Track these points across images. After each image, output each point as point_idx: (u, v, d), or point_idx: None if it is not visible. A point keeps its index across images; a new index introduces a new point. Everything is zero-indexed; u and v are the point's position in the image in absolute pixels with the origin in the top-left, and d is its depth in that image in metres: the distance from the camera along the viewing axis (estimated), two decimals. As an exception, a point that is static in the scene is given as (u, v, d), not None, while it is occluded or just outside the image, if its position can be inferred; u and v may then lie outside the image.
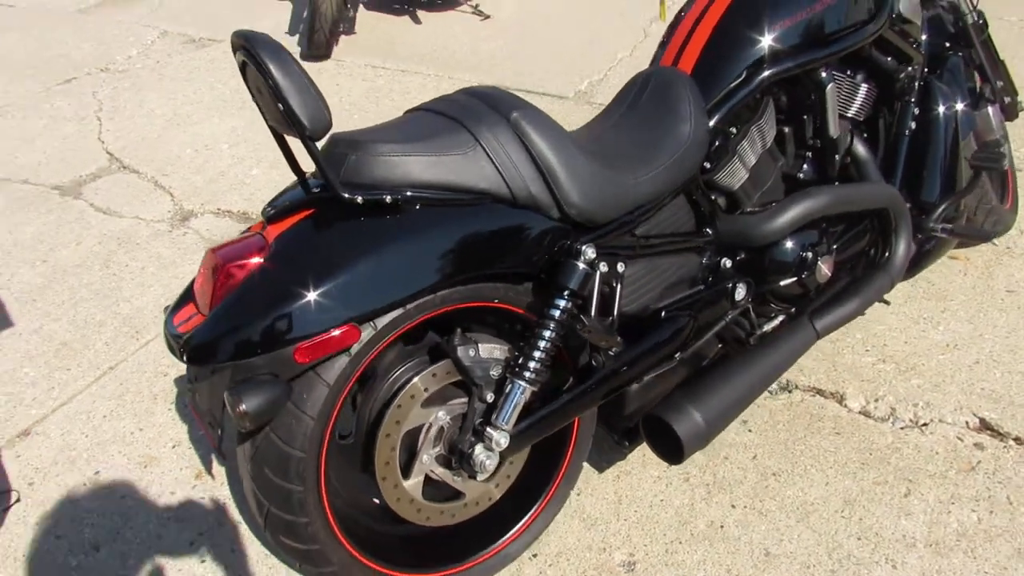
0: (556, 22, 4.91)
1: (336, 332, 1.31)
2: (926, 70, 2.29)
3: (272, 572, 1.79)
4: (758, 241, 1.87)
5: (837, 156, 2.04)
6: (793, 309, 2.05)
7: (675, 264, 1.82)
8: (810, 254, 1.93)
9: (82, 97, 4.10)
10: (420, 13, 5.05)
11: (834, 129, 1.98)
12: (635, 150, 1.67)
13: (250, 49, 1.26)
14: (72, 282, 2.75)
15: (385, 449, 1.52)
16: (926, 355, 2.30)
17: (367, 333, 1.38)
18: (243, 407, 1.26)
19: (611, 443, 1.98)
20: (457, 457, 1.55)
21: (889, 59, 2.13)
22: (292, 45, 4.58)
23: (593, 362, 1.65)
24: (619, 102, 1.84)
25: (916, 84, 2.19)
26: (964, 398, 2.15)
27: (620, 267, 1.63)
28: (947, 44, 2.36)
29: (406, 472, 1.57)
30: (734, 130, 1.85)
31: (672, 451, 1.69)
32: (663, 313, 1.75)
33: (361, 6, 5.00)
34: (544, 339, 1.51)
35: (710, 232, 1.87)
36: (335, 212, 1.39)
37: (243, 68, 1.34)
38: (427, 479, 1.61)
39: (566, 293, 1.51)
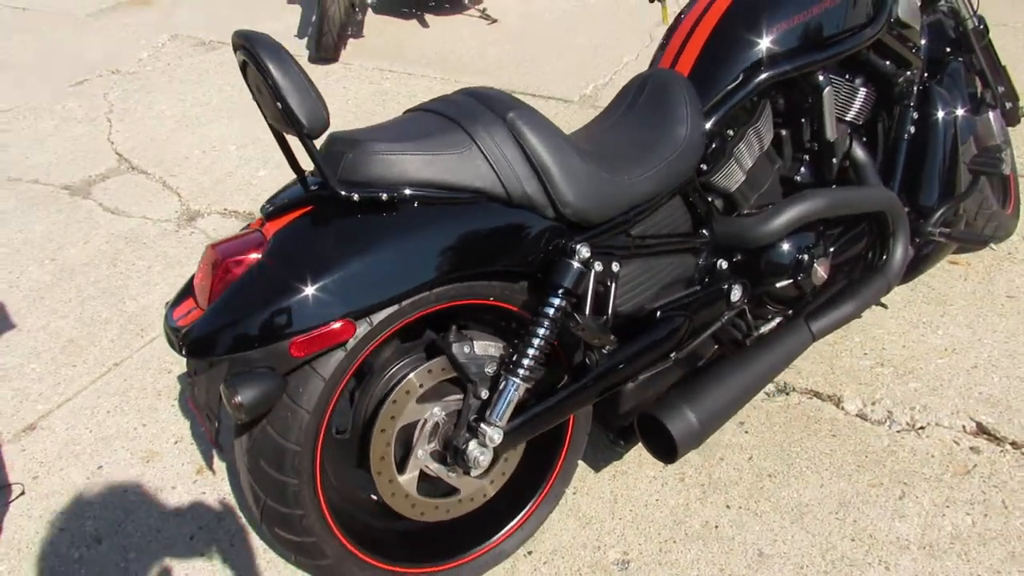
0: (562, 26, 4.94)
1: (331, 327, 1.33)
2: (926, 75, 2.30)
3: (270, 566, 1.82)
4: (754, 243, 1.88)
5: (835, 159, 2.05)
6: (790, 311, 2.06)
7: (671, 264, 1.83)
8: (806, 256, 1.94)
9: (93, 99, 4.15)
10: (428, 17, 5.09)
11: (831, 132, 1.99)
12: (631, 151, 1.68)
13: (250, 48, 1.29)
14: (79, 280, 2.79)
15: (380, 444, 1.54)
16: (924, 359, 2.31)
17: (363, 329, 1.40)
18: (238, 399, 1.28)
19: (607, 442, 2.00)
20: (452, 453, 1.57)
21: (888, 63, 2.14)
22: (301, 48, 4.63)
23: (587, 361, 1.67)
24: (617, 104, 1.86)
25: (915, 88, 2.20)
26: (961, 402, 2.16)
27: (615, 267, 1.65)
28: (948, 49, 2.37)
29: (401, 467, 1.59)
30: (731, 132, 1.87)
31: (666, 450, 1.71)
32: (658, 313, 1.77)
33: (370, 10, 5.04)
34: (538, 337, 1.53)
35: (706, 233, 1.88)
36: (332, 209, 1.41)
37: (243, 68, 1.37)
38: (422, 475, 1.62)
39: (560, 291, 1.53)
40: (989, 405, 2.14)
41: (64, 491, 2.01)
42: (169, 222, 3.11)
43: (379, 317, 1.41)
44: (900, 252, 2.08)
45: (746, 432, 2.11)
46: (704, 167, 1.83)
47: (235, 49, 1.35)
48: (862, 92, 2.10)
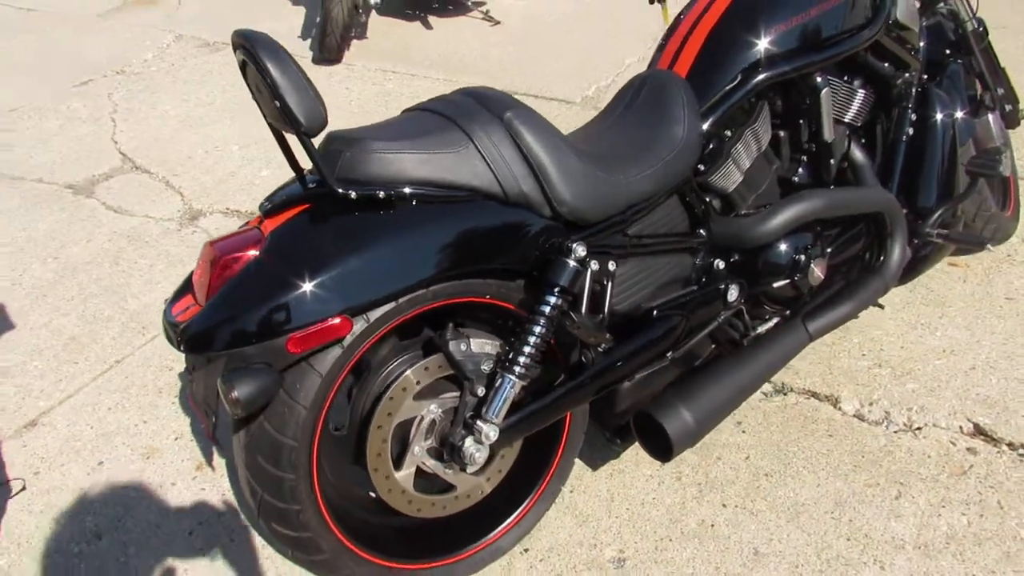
0: (565, 28, 4.96)
1: (328, 323, 1.34)
2: (926, 77, 2.31)
3: (268, 562, 1.83)
4: (751, 243, 1.89)
5: (832, 160, 2.06)
6: (787, 311, 2.06)
7: (668, 264, 1.84)
8: (803, 257, 1.95)
9: (98, 99, 4.18)
10: (431, 19, 5.11)
11: (829, 133, 2.00)
12: (628, 151, 1.69)
13: (249, 48, 1.30)
14: (82, 278, 2.80)
15: (377, 440, 1.55)
16: (922, 360, 2.31)
17: (360, 325, 1.41)
18: (235, 394, 1.29)
19: (604, 441, 2.01)
20: (448, 449, 1.58)
21: (886, 65, 2.15)
22: (304, 49, 4.65)
23: (583, 359, 1.68)
24: (615, 104, 1.87)
25: (914, 90, 2.21)
26: (959, 403, 2.16)
27: (611, 265, 1.66)
28: (947, 51, 2.38)
29: (398, 464, 1.60)
30: (729, 133, 1.88)
31: (662, 449, 1.72)
32: (655, 312, 1.78)
33: (373, 12, 5.06)
34: (534, 335, 1.54)
35: (704, 233, 1.89)
36: (330, 207, 1.42)
37: (243, 67, 1.38)
38: (419, 472, 1.63)
39: (556, 290, 1.54)
40: (986, 406, 2.15)
41: (65, 487, 2.03)
42: (171, 221, 3.13)
43: (376, 314, 1.42)
44: (897, 253, 2.09)
45: (743, 432, 2.11)
46: (702, 167, 1.84)
47: (234, 48, 1.36)
48: (860, 94, 2.11)
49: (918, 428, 2.10)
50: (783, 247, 1.95)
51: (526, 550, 1.84)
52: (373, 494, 1.65)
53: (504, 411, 1.54)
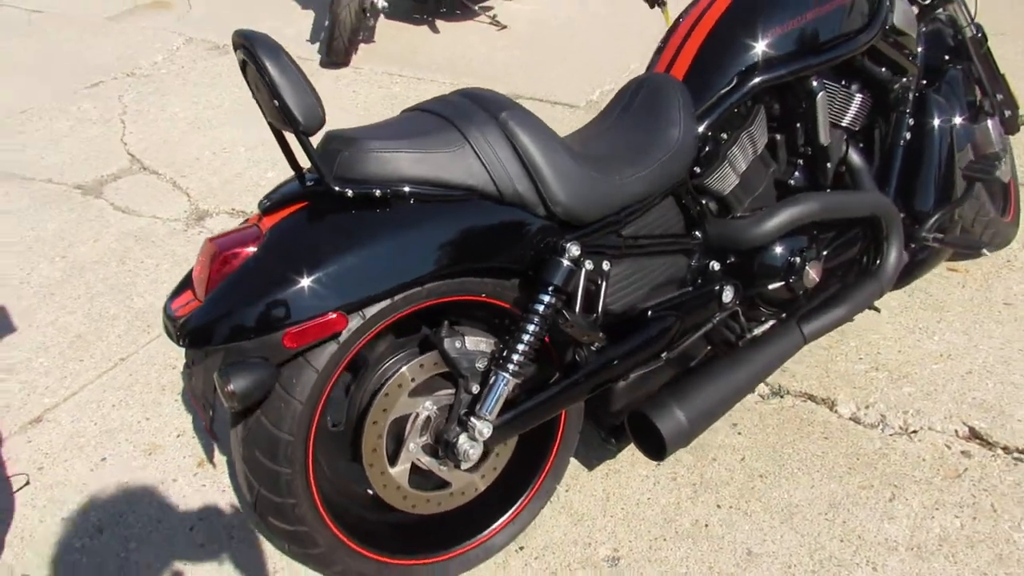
0: (571, 33, 4.98)
1: (324, 319, 1.36)
2: (925, 83, 2.32)
3: (267, 558, 1.85)
4: (746, 245, 1.91)
5: (829, 164, 2.07)
6: (783, 313, 2.07)
7: (663, 265, 1.86)
8: (798, 259, 1.96)
9: (108, 101, 4.22)
10: (438, 23, 5.15)
11: (825, 137, 2.02)
12: (623, 152, 1.71)
13: (249, 47, 1.33)
14: (89, 277, 2.84)
15: (372, 436, 1.57)
16: (919, 364, 2.32)
17: (355, 322, 1.44)
18: (231, 387, 1.32)
19: (600, 441, 2.02)
20: (442, 446, 1.60)
21: (883, 70, 2.16)
22: (313, 52, 4.69)
23: (577, 358, 1.70)
24: (612, 107, 1.89)
25: (911, 95, 2.22)
26: (955, 407, 2.17)
27: (605, 265, 1.67)
28: (946, 57, 2.39)
29: (393, 460, 1.62)
30: (725, 135, 1.90)
31: (656, 448, 1.73)
32: (650, 313, 1.79)
33: (381, 16, 5.09)
34: (528, 333, 1.56)
35: (699, 235, 1.90)
36: (327, 205, 1.45)
37: (243, 66, 1.41)
38: (414, 468, 1.66)
39: (550, 289, 1.56)
40: (982, 410, 2.15)
41: (68, 482, 2.06)
42: (178, 221, 3.16)
43: (372, 311, 1.45)
44: (893, 257, 2.10)
45: (739, 433, 2.13)
46: (697, 169, 1.86)
47: (235, 48, 1.39)
48: (857, 98, 2.12)
49: (913, 431, 2.11)
50: (778, 249, 1.96)
51: (521, 548, 1.86)
52: (369, 490, 1.68)
53: (498, 408, 1.56)
